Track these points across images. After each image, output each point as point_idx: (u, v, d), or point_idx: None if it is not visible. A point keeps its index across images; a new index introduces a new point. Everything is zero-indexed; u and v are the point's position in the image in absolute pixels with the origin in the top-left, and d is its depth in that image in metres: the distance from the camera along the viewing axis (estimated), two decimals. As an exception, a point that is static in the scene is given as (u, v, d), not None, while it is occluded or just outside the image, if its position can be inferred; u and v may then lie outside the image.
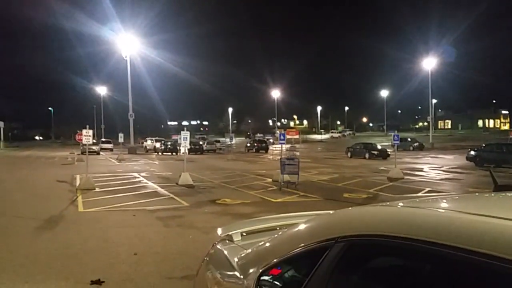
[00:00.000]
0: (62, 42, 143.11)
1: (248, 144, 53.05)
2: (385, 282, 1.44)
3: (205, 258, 2.77)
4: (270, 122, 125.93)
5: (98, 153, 43.34)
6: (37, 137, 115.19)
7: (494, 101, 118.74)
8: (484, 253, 1.06)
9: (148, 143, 53.35)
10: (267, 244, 2.15)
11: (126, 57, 46.95)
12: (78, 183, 16.29)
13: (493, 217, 1.21)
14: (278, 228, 2.81)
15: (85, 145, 16.85)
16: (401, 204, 1.71)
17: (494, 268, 1.03)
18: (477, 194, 2.35)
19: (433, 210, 1.50)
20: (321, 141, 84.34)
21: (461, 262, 1.11)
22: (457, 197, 1.97)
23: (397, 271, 1.40)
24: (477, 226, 1.19)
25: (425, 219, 1.38)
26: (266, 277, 1.96)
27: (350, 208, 1.87)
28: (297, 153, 37.16)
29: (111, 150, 49.87)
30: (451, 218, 1.35)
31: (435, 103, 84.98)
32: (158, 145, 48.80)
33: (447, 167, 25.22)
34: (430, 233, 1.25)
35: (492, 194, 1.93)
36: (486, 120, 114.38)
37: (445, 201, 1.87)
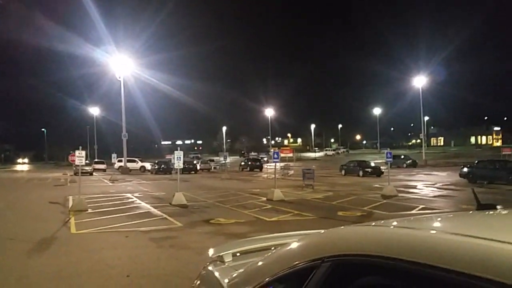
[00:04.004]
0: (55, 64, 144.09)
1: (243, 163, 52.98)
2: None
3: (196, 280, 2.77)
4: (264, 140, 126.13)
5: (91, 174, 43.05)
6: (20, 160, 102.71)
7: (486, 118, 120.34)
8: (464, 272, 1.10)
9: (117, 163, 44.51)
10: (257, 264, 2.16)
11: (119, 78, 47.21)
12: (70, 204, 16.15)
13: (474, 237, 1.24)
14: (271, 248, 2.82)
15: (78, 166, 16.76)
16: (386, 223, 1.74)
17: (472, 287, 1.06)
18: (461, 213, 2.39)
19: (415, 230, 1.54)
20: (315, 159, 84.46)
21: (443, 282, 1.14)
22: (440, 216, 2.01)
23: None
24: (457, 246, 1.22)
25: (406, 239, 1.41)
26: None
27: (338, 227, 1.90)
28: (291, 172, 37.22)
29: (104, 170, 49.56)
30: (432, 237, 1.38)
31: (427, 120, 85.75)
32: (148, 165, 48.95)
33: (441, 184, 25.31)
34: (411, 253, 1.28)
35: (474, 213, 1.98)
36: (479, 137, 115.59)
37: (428, 220, 1.91)
